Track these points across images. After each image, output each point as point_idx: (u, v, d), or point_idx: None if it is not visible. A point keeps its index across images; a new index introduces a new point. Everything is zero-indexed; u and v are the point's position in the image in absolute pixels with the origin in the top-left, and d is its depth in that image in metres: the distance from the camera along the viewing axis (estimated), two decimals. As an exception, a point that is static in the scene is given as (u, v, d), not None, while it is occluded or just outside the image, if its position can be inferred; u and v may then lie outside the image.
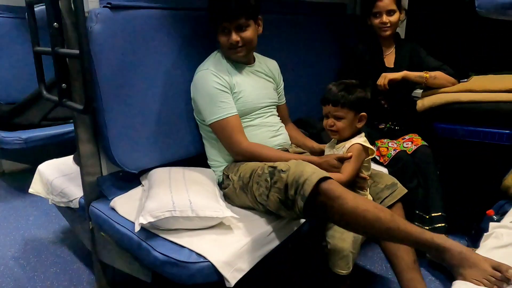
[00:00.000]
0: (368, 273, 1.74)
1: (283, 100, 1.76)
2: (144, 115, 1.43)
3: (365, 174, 1.42)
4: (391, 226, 1.11)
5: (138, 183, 1.52)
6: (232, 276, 1.11)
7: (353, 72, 1.97)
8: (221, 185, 1.51)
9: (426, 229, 1.69)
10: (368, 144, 1.39)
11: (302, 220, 1.39)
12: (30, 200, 2.42)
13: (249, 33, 1.45)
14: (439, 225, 1.71)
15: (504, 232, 1.12)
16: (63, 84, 1.34)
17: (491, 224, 1.21)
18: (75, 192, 1.57)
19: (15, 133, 2.41)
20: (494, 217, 1.52)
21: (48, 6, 1.25)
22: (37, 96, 2.48)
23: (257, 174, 1.31)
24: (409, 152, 1.82)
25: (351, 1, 2.58)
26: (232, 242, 1.18)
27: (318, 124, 1.89)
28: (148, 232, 1.21)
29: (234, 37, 1.43)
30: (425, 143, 1.86)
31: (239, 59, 1.51)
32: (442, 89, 1.89)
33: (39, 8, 1.41)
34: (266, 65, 1.65)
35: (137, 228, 1.19)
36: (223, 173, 1.51)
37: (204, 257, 1.10)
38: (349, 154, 1.36)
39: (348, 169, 1.33)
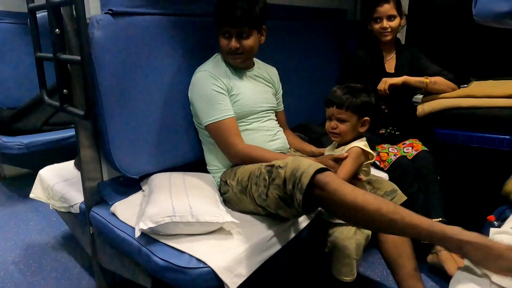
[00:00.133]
0: (369, 280, 1.74)
1: (281, 107, 1.76)
2: (145, 121, 1.44)
3: (363, 177, 1.41)
4: (393, 217, 1.06)
5: (139, 188, 1.52)
6: (232, 281, 1.11)
7: (353, 77, 1.97)
8: (220, 190, 1.51)
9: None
10: (368, 149, 1.39)
11: (303, 225, 1.39)
12: (31, 205, 2.42)
13: (249, 41, 1.45)
14: (440, 230, 1.70)
15: (505, 238, 1.12)
16: (65, 90, 1.35)
17: (492, 230, 1.21)
18: (76, 197, 1.57)
19: (16, 138, 2.42)
20: (495, 222, 1.52)
21: (50, 13, 1.26)
22: (38, 101, 2.49)
23: (255, 176, 1.31)
24: (409, 157, 1.82)
25: (352, 7, 2.60)
26: (232, 247, 1.18)
27: (318, 129, 1.90)
28: (148, 237, 1.21)
29: (234, 43, 1.43)
30: (426, 148, 1.87)
31: (236, 65, 1.51)
32: (442, 95, 1.90)
33: (41, 14, 1.42)
34: (266, 71, 1.66)
35: (137, 234, 1.19)
36: (221, 179, 1.50)
37: (204, 263, 1.10)
38: (345, 154, 1.36)
39: (343, 171, 1.33)
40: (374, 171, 1.67)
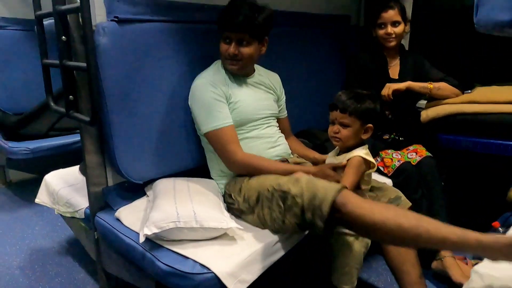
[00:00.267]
0: (373, 286, 1.73)
1: (285, 114, 1.75)
2: (150, 127, 1.45)
3: (362, 187, 1.40)
4: (418, 232, 1.02)
5: (143, 193, 1.53)
6: (236, 287, 1.11)
7: (357, 83, 1.98)
8: (224, 198, 1.51)
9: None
10: (370, 158, 1.36)
11: (305, 232, 1.38)
12: (36, 209, 2.43)
13: (248, 49, 1.44)
14: (444, 236, 1.70)
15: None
16: (70, 96, 1.36)
17: (496, 236, 1.21)
18: (81, 202, 1.58)
19: (22, 143, 2.44)
20: (500, 229, 1.51)
21: (57, 20, 1.28)
22: (44, 107, 2.50)
23: (266, 198, 1.29)
24: (413, 163, 1.82)
25: (355, 13, 2.61)
26: (236, 253, 1.18)
27: (322, 135, 1.90)
28: (153, 242, 1.21)
29: (233, 49, 1.43)
30: (430, 154, 1.86)
31: (233, 72, 1.50)
32: (446, 100, 1.90)
33: (48, 22, 1.44)
34: (268, 77, 1.65)
35: (141, 239, 1.20)
36: (225, 191, 1.50)
37: (208, 268, 1.10)
38: (343, 162, 1.35)
39: (345, 181, 1.30)
40: (377, 177, 1.67)
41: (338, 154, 1.45)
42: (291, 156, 1.66)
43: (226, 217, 1.27)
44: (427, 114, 1.92)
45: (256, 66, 1.63)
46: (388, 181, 1.74)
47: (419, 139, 1.99)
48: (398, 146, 1.96)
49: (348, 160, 1.35)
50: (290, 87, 1.79)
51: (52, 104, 1.53)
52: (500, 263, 0.94)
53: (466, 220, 1.89)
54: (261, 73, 1.64)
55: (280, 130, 1.68)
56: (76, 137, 2.52)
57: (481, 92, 1.91)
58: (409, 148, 1.94)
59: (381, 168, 1.84)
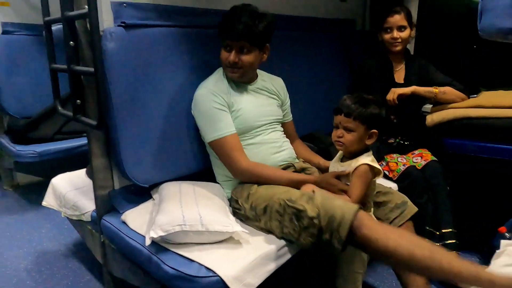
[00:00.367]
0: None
1: (289, 118, 1.74)
2: (156, 131, 1.46)
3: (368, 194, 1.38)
4: (430, 264, 1.04)
5: (149, 197, 1.54)
6: (241, 291, 1.12)
7: (363, 87, 1.98)
8: (230, 201, 1.51)
9: (437, 245, 1.68)
10: (376, 164, 1.33)
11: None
12: (43, 212, 2.45)
13: (249, 57, 1.44)
14: (450, 241, 1.69)
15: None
16: (78, 100, 1.38)
17: (502, 242, 1.20)
18: (87, 205, 1.59)
19: (29, 146, 2.47)
20: (506, 234, 1.50)
21: (65, 26, 1.30)
22: (51, 111, 2.54)
23: (275, 212, 1.28)
24: (418, 167, 1.82)
25: (360, 17, 2.61)
26: (241, 256, 1.19)
27: (327, 139, 1.90)
28: (159, 246, 1.22)
29: (233, 57, 1.42)
30: (435, 158, 1.86)
31: (234, 79, 1.50)
32: (452, 105, 1.90)
33: (56, 27, 1.46)
34: (271, 82, 1.64)
35: (147, 242, 1.20)
36: (232, 196, 1.50)
37: (214, 272, 1.11)
38: (347, 171, 1.33)
39: (355, 192, 1.29)
40: (383, 181, 1.66)
41: (342, 160, 1.42)
42: (297, 161, 1.65)
43: (231, 221, 1.27)
44: (432, 118, 1.91)
45: (259, 72, 1.62)
46: (393, 186, 1.74)
47: (425, 143, 1.99)
48: (403, 150, 1.96)
49: (354, 169, 1.32)
50: (294, 91, 1.79)
51: (60, 108, 1.54)
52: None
53: (472, 224, 1.89)
54: (264, 79, 1.63)
55: (285, 135, 1.68)
56: (82, 141, 2.55)
57: (486, 97, 1.91)
58: (414, 152, 1.94)
59: (386, 172, 1.84)
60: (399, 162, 1.84)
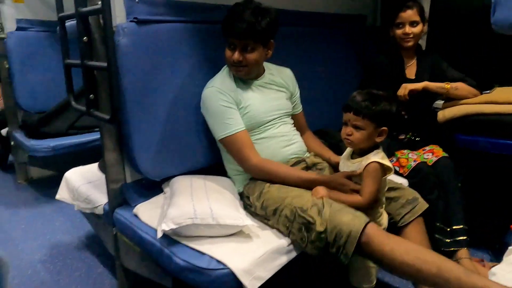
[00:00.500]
0: (388, 285, 1.72)
1: (299, 109, 1.73)
2: (167, 125, 1.48)
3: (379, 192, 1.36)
4: (437, 280, 1.06)
5: (160, 190, 1.56)
6: (251, 284, 1.13)
7: (373, 83, 1.97)
8: (241, 194, 1.52)
9: (447, 242, 1.67)
10: (386, 162, 1.30)
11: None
12: (57, 206, 2.49)
13: (253, 55, 1.44)
14: (461, 238, 1.68)
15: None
16: (91, 95, 1.40)
17: (514, 239, 1.19)
18: (100, 198, 1.62)
19: (43, 141, 2.50)
20: (518, 231, 1.49)
21: (79, 21, 1.32)
22: (64, 106, 2.57)
23: (285, 217, 1.29)
24: (429, 164, 1.80)
25: (371, 13, 2.59)
26: (252, 250, 1.20)
27: (337, 135, 1.90)
28: (170, 238, 1.24)
29: (237, 56, 1.43)
30: (446, 155, 1.84)
31: (240, 77, 1.51)
32: (464, 100, 1.87)
33: (70, 23, 1.48)
34: (279, 75, 1.64)
35: (159, 235, 1.22)
36: (244, 192, 1.51)
37: (224, 264, 1.12)
38: (358, 171, 1.32)
39: (367, 191, 1.27)
40: (393, 177, 1.65)
41: (352, 157, 1.40)
42: (307, 155, 1.65)
43: (242, 214, 1.28)
44: (444, 114, 1.90)
45: (267, 65, 1.61)
46: (404, 181, 1.73)
47: (436, 139, 1.97)
48: (414, 146, 1.95)
49: (365, 167, 1.30)
50: (304, 87, 1.78)
51: (73, 103, 1.57)
52: None
53: (484, 221, 1.87)
54: (272, 72, 1.62)
55: (295, 128, 1.68)
56: (95, 135, 2.58)
57: (500, 93, 1.88)
58: (425, 148, 1.92)
59: (397, 168, 1.83)
60: (410, 158, 1.83)
